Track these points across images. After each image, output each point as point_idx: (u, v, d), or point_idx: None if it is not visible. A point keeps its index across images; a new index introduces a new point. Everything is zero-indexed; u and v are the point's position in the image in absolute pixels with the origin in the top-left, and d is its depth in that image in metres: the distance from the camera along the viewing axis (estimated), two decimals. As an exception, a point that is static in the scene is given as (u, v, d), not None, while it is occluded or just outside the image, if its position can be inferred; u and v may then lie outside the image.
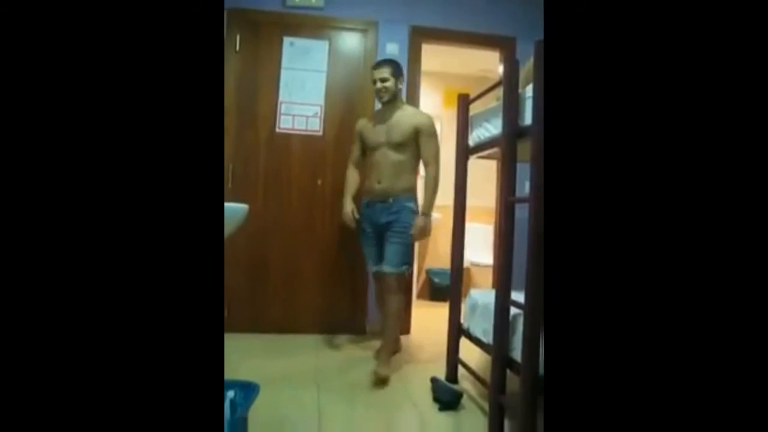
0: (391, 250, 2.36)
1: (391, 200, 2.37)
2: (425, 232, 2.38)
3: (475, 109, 2.18)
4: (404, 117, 2.40)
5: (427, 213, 2.37)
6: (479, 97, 2.14)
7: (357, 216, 2.46)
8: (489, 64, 3.80)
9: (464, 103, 2.19)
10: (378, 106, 2.58)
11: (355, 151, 2.56)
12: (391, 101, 2.41)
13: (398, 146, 2.38)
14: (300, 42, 2.96)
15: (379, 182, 2.39)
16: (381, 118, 2.46)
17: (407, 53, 3.06)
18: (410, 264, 2.51)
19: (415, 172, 2.47)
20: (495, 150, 2.03)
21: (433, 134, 2.44)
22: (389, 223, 2.36)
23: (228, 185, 2.87)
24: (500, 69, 3.33)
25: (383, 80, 2.39)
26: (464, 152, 2.19)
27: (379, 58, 3.02)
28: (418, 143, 2.39)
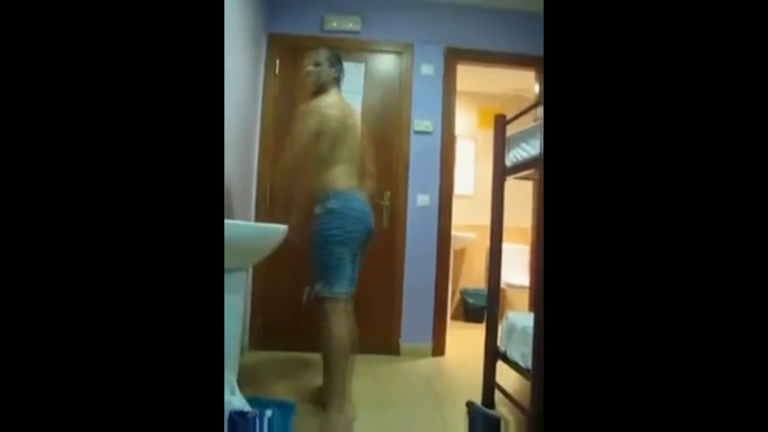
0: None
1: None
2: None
3: (510, 129, 2.17)
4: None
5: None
6: (516, 117, 2.13)
7: None
8: (524, 83, 3.80)
9: (501, 123, 2.19)
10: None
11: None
12: (317, 93, 2.08)
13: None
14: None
15: None
16: None
17: (442, 74, 3.08)
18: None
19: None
20: (532, 171, 2.01)
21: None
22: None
23: (266, 204, 2.93)
24: (536, 88, 3.31)
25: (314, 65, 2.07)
26: (501, 173, 2.17)
27: (415, 79, 3.07)
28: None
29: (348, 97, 3.11)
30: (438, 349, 3.02)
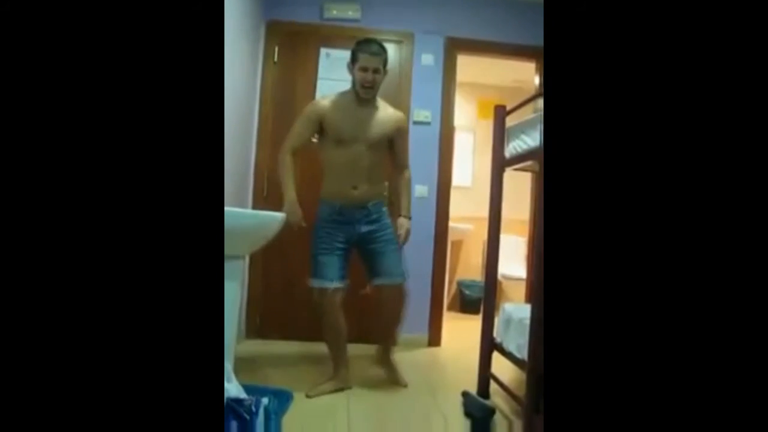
0: (392, 259, 2.15)
1: (369, 206, 2.13)
2: (409, 236, 2.26)
3: (509, 120, 2.17)
4: (382, 114, 2.15)
5: (409, 216, 2.26)
6: (516, 108, 2.12)
7: (300, 212, 2.10)
8: (523, 74, 3.78)
9: (501, 114, 2.18)
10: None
11: (300, 136, 2.13)
12: (372, 98, 2.12)
13: (376, 146, 2.12)
14: (336, 53, 3.00)
15: (355, 187, 2.09)
16: (354, 110, 2.11)
17: (442, 64, 3.06)
18: None
19: (386, 175, 2.26)
20: (531, 162, 2.00)
21: (407, 134, 2.35)
22: (371, 232, 2.13)
23: (263, 193, 2.92)
24: (536, 80, 3.30)
25: (375, 71, 2.04)
26: (500, 164, 2.17)
27: (415, 69, 3.04)
28: (392, 144, 2.20)
29: (347, 86, 3.11)
30: (434, 340, 3.03)
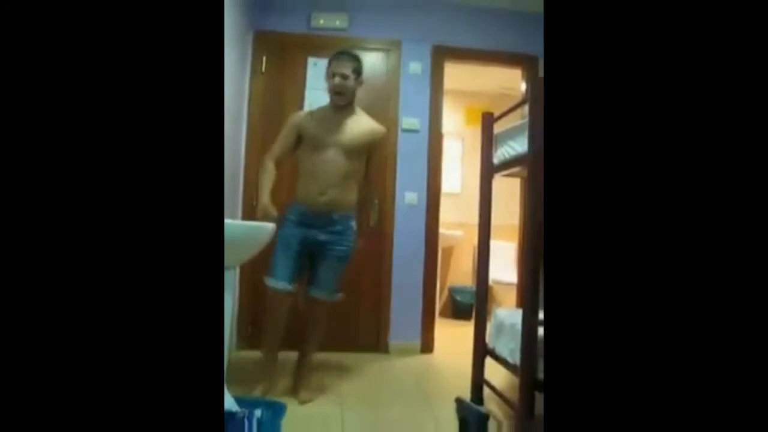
0: (329, 274, 2.14)
1: (335, 217, 2.11)
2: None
3: (497, 127, 2.19)
4: (360, 122, 2.17)
5: (364, 234, 2.28)
6: (504, 115, 2.14)
7: (275, 213, 2.05)
8: (510, 81, 3.81)
9: (489, 121, 2.20)
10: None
11: (282, 146, 2.17)
12: (347, 105, 2.15)
13: (349, 152, 2.10)
14: (324, 62, 2.99)
15: (322, 194, 2.07)
16: (330, 118, 2.14)
17: (430, 72, 3.08)
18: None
19: (358, 186, 2.21)
20: (519, 168, 2.02)
21: (383, 150, 2.40)
22: (328, 242, 2.11)
23: (253, 203, 2.91)
24: (522, 87, 3.33)
25: (343, 77, 2.08)
26: (489, 171, 2.18)
27: (403, 77, 3.06)
28: (367, 155, 2.18)
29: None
30: (426, 347, 3.03)
